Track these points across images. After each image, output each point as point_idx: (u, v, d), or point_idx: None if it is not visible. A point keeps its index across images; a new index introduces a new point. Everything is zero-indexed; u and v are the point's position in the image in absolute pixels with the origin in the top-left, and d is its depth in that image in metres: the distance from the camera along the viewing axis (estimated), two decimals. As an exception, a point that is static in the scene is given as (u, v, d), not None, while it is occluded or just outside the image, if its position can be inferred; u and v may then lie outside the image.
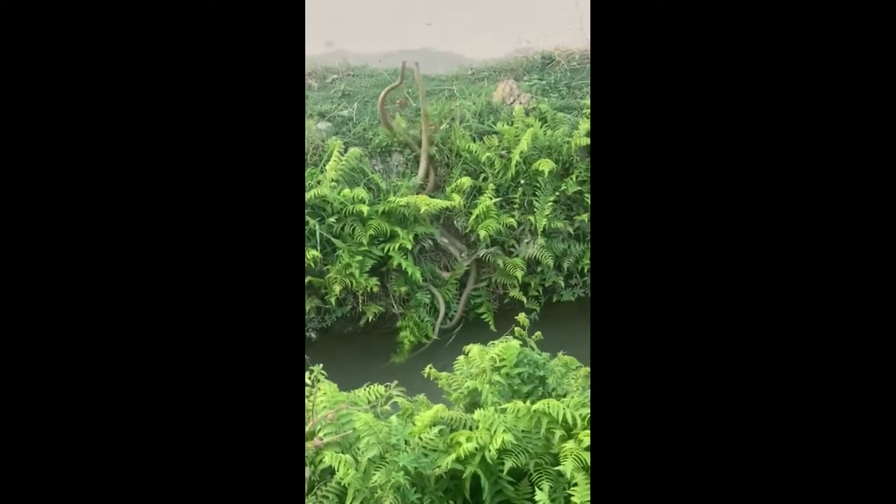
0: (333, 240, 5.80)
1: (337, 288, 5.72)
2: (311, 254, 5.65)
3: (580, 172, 6.21)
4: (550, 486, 3.47)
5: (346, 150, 6.15)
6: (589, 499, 3.32)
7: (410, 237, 5.94)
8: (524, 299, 6.23)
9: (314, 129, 6.53)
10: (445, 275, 6.29)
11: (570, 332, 5.56)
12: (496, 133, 6.44)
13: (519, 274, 6.14)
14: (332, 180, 5.93)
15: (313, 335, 5.88)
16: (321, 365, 3.04)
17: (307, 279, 5.78)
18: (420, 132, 6.47)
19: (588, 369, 4.23)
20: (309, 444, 2.48)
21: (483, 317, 6.24)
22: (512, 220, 6.16)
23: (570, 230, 6.26)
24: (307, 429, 2.38)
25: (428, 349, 6.06)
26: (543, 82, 7.23)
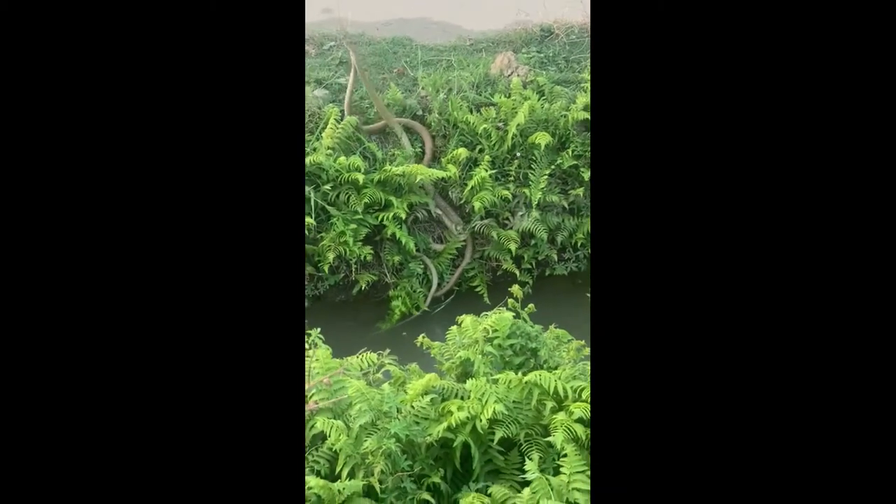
0: (328, 207, 5.78)
1: (330, 255, 5.72)
2: (307, 221, 5.63)
3: (576, 147, 6.21)
4: (540, 457, 3.50)
5: (342, 118, 6.12)
6: (578, 469, 3.35)
7: (405, 206, 5.93)
8: (517, 272, 6.24)
9: (311, 95, 6.49)
10: (439, 247, 6.28)
11: (563, 305, 5.59)
12: (493, 105, 6.42)
13: (513, 246, 6.15)
14: (328, 148, 5.91)
15: (305, 302, 5.88)
16: (319, 329, 3.03)
17: (301, 246, 5.77)
18: (417, 102, 6.46)
19: (580, 342, 4.25)
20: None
21: (477, 289, 6.26)
22: (507, 192, 6.15)
23: (565, 204, 6.26)
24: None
25: (418, 319, 6.07)
26: (542, 55, 7.20)
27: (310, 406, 2.34)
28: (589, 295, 5.80)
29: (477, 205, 6.05)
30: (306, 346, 2.56)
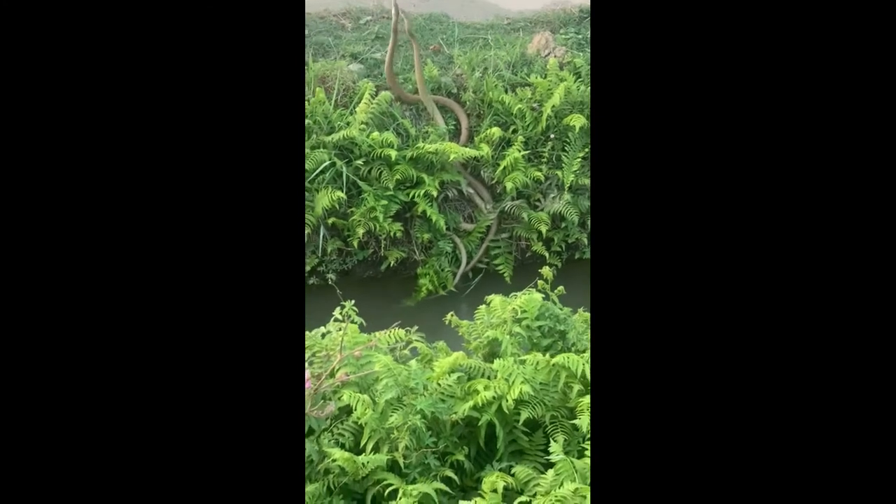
0: (360, 182, 5.78)
1: (360, 231, 5.72)
2: (337, 195, 5.63)
3: (611, 130, 6.14)
4: (565, 439, 3.49)
5: (377, 94, 6.10)
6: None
7: (436, 184, 5.91)
8: (546, 254, 6.22)
9: (346, 69, 6.48)
10: (469, 226, 6.27)
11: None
12: (529, 85, 6.37)
13: (543, 228, 6.12)
14: (362, 123, 5.90)
15: (333, 276, 5.89)
16: (353, 301, 3.02)
17: (331, 220, 5.78)
18: (453, 80, 6.43)
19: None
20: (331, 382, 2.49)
21: (499, 268, 6.24)
22: (539, 173, 6.12)
23: (597, 188, 6.20)
24: (334, 366, 2.39)
25: (445, 298, 6.06)
26: (580, 36, 7.13)
27: (340, 377, 2.34)
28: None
29: (509, 185, 6.02)
30: (340, 317, 2.55)
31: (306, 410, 2.08)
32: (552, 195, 6.20)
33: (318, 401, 2.14)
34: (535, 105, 6.24)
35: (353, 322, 2.63)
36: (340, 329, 2.48)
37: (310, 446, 3.57)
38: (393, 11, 6.02)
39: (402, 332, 3.97)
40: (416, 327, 4.08)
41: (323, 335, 2.61)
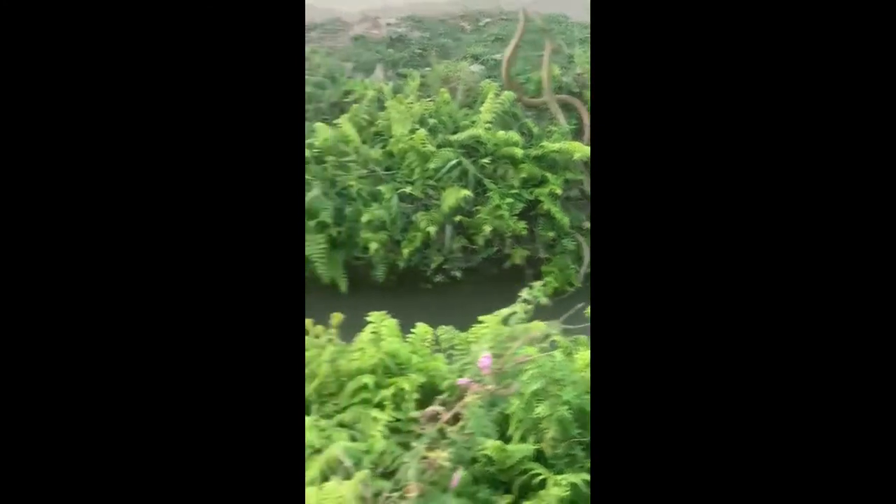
0: (485, 180, 5.84)
1: (486, 228, 5.78)
2: (463, 193, 5.72)
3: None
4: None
5: (499, 94, 6.17)
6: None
7: (560, 182, 5.94)
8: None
9: (467, 70, 6.56)
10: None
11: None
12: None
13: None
14: (486, 122, 5.96)
15: (457, 274, 5.97)
16: (541, 283, 2.96)
17: (457, 218, 5.86)
18: (573, 80, 6.45)
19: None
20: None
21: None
22: (664, 171, 6.08)
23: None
24: (517, 345, 2.44)
25: (571, 296, 6.07)
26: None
27: (520, 358, 2.40)
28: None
29: (633, 183, 6.00)
30: (527, 297, 2.61)
31: (492, 389, 2.14)
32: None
33: (502, 379, 2.19)
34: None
35: (539, 302, 2.68)
36: (527, 311, 2.54)
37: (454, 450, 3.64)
38: (521, 17, 6.09)
39: (543, 324, 4.01)
40: (560, 319, 4.12)
41: (506, 319, 2.66)
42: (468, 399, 2.21)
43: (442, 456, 2.04)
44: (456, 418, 2.21)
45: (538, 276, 6.13)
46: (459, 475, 2.42)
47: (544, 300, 2.96)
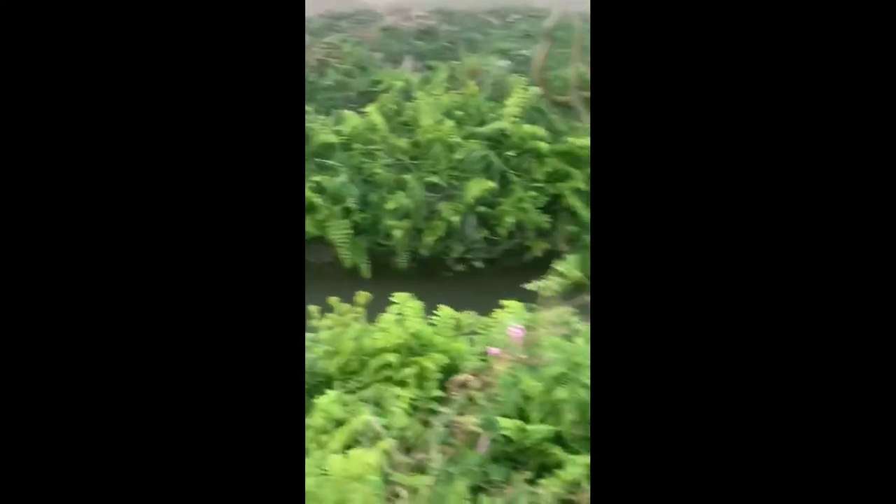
0: (509, 173, 5.92)
1: (509, 220, 5.85)
2: (488, 185, 5.80)
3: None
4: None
5: (527, 89, 6.25)
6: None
7: (584, 178, 6.01)
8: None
9: (495, 65, 6.65)
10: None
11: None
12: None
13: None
14: (513, 116, 6.04)
15: (478, 264, 6.05)
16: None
17: (481, 209, 5.94)
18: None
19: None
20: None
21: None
22: (687, 171, 6.14)
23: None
24: (547, 316, 2.52)
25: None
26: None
27: (551, 329, 2.46)
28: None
29: (655, 181, 6.07)
30: (561, 268, 2.68)
31: (524, 359, 2.21)
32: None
33: (532, 349, 2.26)
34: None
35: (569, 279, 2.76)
36: (560, 285, 2.62)
37: (483, 416, 3.71)
38: (553, 16, 6.17)
39: (563, 310, 4.08)
40: (577, 308, 4.19)
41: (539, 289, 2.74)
42: (499, 367, 2.28)
43: (471, 420, 2.11)
44: (485, 386, 2.28)
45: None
46: (488, 440, 2.49)
47: (577, 274, 3.01)
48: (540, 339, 2.31)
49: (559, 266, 2.67)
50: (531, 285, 2.68)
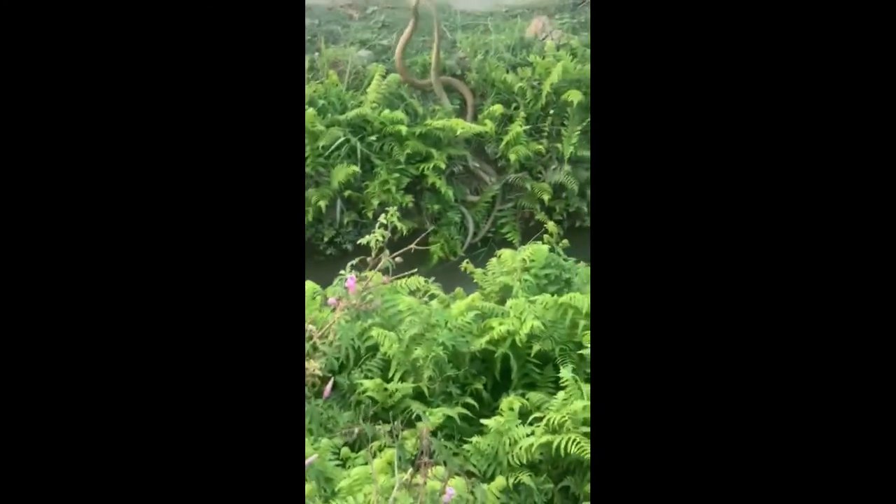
0: (373, 157, 6.16)
1: (375, 202, 6.09)
2: (352, 169, 6.03)
3: (608, 105, 6.55)
4: (573, 367, 3.85)
5: (385, 76, 6.49)
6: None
7: (444, 158, 6.30)
8: (549, 222, 6.59)
9: (355, 55, 6.87)
10: (474, 198, 6.65)
11: (592, 254, 5.96)
12: (529, 65, 6.75)
13: (546, 197, 6.50)
14: (373, 102, 6.28)
15: (349, 247, 6.27)
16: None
17: (347, 193, 6.16)
18: (456, 63, 6.84)
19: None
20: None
21: (507, 235, 6.61)
22: (540, 147, 6.51)
23: (595, 159, 6.60)
24: (375, 268, 2.76)
25: (455, 264, 6.44)
26: (575, 21, 7.53)
27: (383, 280, 2.71)
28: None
29: (512, 157, 6.41)
30: (384, 221, 2.91)
31: (357, 305, 2.44)
32: (553, 167, 6.59)
33: (364, 297, 2.50)
34: (534, 83, 6.63)
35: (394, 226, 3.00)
36: (383, 236, 2.86)
37: (342, 379, 3.95)
38: (411, 6, 6.43)
39: (421, 279, 4.37)
40: (433, 278, 4.48)
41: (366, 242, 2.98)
42: (336, 315, 2.52)
43: (314, 366, 2.34)
44: (326, 336, 2.52)
45: (425, 247, 6.48)
46: (331, 385, 2.73)
47: (400, 225, 3.18)
48: (371, 289, 2.56)
49: (383, 219, 2.92)
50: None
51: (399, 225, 2.99)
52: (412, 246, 3.44)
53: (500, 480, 3.26)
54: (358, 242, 3.28)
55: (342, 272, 2.79)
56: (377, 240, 2.82)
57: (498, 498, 3.14)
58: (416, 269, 4.35)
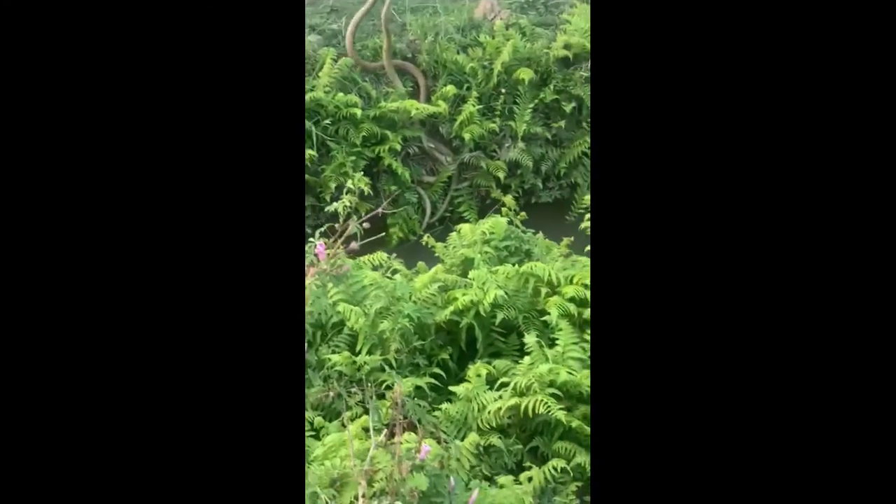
0: (328, 140, 6.19)
1: (332, 185, 6.12)
2: (308, 154, 6.04)
3: (557, 82, 6.65)
4: (537, 334, 3.93)
5: (337, 61, 6.51)
6: (572, 341, 3.80)
7: (399, 140, 6.35)
8: (505, 199, 6.67)
9: (305, 40, 6.87)
10: (431, 178, 6.71)
11: (548, 229, 6.03)
12: (479, 45, 6.82)
13: (501, 175, 6.59)
14: (326, 86, 6.30)
15: (308, 230, 6.28)
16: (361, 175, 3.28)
17: (305, 177, 6.18)
18: (407, 46, 6.88)
19: (567, 243, 4.70)
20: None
21: (465, 214, 6.68)
22: (494, 125, 6.59)
23: (548, 136, 6.70)
24: (344, 236, 2.80)
25: (415, 244, 6.50)
26: (523, 1, 7.60)
27: (351, 247, 2.75)
28: (569, 218, 6.17)
29: (466, 136, 6.47)
30: (351, 186, 2.97)
31: (327, 270, 2.49)
32: (507, 145, 6.67)
33: (335, 263, 2.55)
34: (485, 63, 6.70)
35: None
36: (345, 208, 2.92)
37: (310, 355, 4.00)
38: None
39: (384, 255, 4.42)
40: (395, 255, 4.54)
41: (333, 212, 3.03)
42: (308, 279, 2.57)
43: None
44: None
45: (384, 228, 6.53)
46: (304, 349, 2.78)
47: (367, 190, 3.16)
48: (339, 256, 2.61)
49: (350, 184, 2.98)
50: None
51: (366, 189, 3.03)
52: (378, 210, 3.50)
53: (472, 437, 3.32)
54: (326, 209, 3.31)
55: (311, 239, 2.83)
56: (345, 205, 2.87)
57: (470, 457, 3.20)
58: (377, 251, 4.42)
